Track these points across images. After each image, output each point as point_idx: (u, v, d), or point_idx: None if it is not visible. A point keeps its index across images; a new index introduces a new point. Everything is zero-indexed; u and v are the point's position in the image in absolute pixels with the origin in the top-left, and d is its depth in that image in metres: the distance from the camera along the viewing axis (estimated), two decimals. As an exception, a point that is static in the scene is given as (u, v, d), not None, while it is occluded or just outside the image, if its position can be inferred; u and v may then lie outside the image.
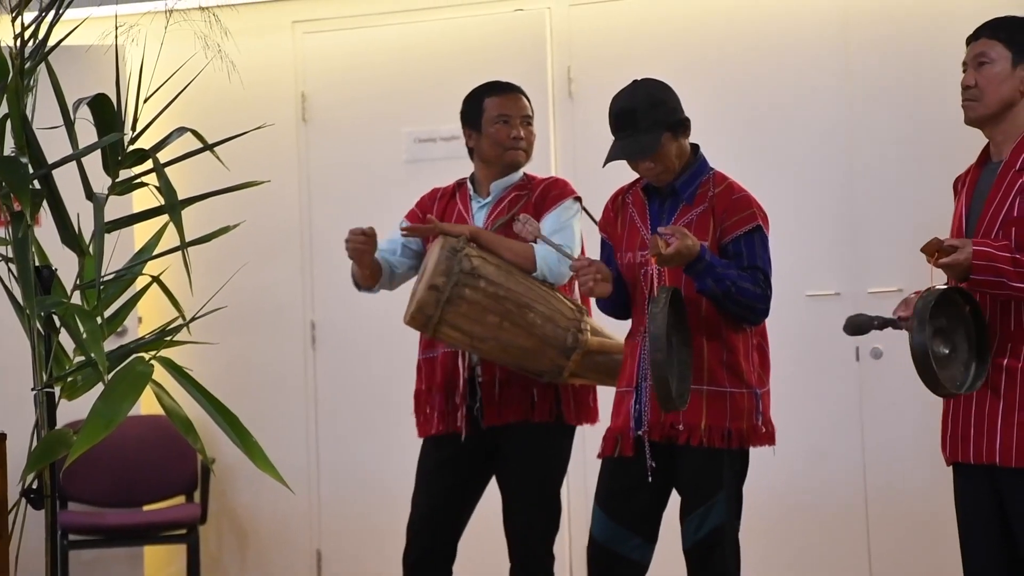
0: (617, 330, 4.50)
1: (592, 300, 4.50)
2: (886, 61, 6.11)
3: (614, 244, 4.36)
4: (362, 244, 4.59)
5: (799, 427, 5.99)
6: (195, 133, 3.40)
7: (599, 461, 4.31)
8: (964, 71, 3.84)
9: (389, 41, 6.70)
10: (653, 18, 6.42)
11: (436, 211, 4.74)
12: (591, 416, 4.74)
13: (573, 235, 4.63)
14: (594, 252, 4.54)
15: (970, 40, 3.85)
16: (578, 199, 4.70)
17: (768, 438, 4.22)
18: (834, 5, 6.19)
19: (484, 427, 4.57)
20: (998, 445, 3.64)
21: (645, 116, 4.15)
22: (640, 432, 4.15)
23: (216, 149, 3.39)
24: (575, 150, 6.38)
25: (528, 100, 4.79)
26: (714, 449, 4.10)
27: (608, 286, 4.19)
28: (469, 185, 4.79)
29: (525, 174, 4.77)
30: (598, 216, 4.51)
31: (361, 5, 6.76)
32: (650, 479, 4.13)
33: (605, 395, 4.59)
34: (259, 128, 4.00)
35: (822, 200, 6.17)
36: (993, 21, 3.83)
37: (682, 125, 4.21)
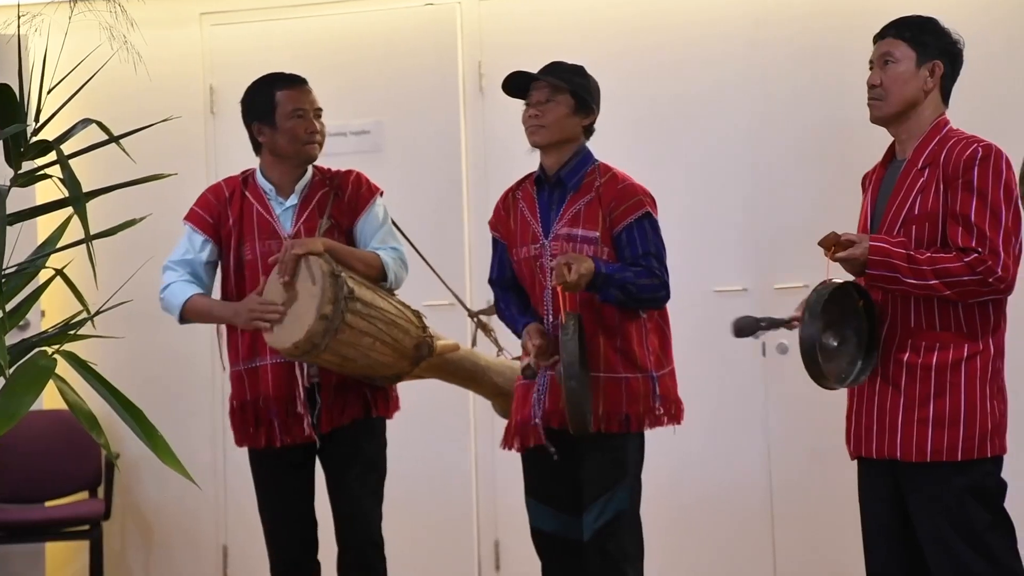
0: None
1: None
2: (793, 61, 6.17)
3: (508, 241, 4.43)
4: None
5: (704, 422, 6.04)
6: (100, 125, 3.35)
7: (507, 455, 4.37)
8: (871, 69, 3.88)
9: (298, 34, 6.66)
10: (563, 13, 6.43)
11: (232, 214, 4.62)
12: (398, 404, 4.74)
13: (395, 234, 4.65)
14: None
15: (877, 39, 3.91)
16: (382, 194, 4.70)
17: (669, 418, 4.31)
18: (744, 4, 6.23)
19: (324, 432, 4.52)
20: (899, 440, 3.70)
21: (565, 72, 4.34)
22: (536, 420, 4.22)
23: (123, 141, 3.35)
24: (485, 144, 6.38)
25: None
26: (616, 436, 4.19)
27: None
28: (263, 183, 4.66)
29: (313, 167, 4.69)
30: (400, 216, 4.56)
31: (270, -3, 6.73)
32: (556, 458, 4.21)
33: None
34: (166, 120, 3.95)
35: (729, 197, 6.22)
36: (899, 21, 3.88)
37: (587, 109, 4.34)
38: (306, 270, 4.29)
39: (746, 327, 3.87)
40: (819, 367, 3.56)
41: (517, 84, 4.38)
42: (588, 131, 4.38)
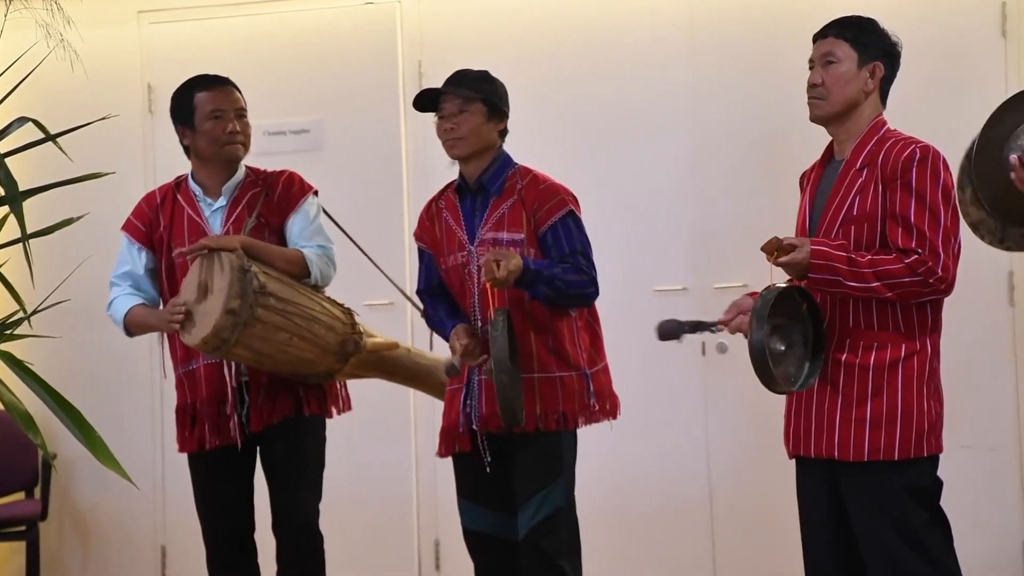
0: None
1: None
2: (732, 61, 6.19)
3: (434, 251, 4.45)
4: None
5: (644, 421, 6.06)
6: (37, 123, 3.33)
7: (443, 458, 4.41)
8: (811, 68, 3.90)
9: (237, 32, 6.63)
10: (503, 12, 6.43)
11: (163, 219, 4.62)
12: (349, 404, 4.77)
13: (326, 233, 4.64)
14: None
15: (817, 38, 3.92)
16: (316, 193, 4.70)
17: (604, 414, 4.34)
18: (682, 6, 6.26)
19: (251, 432, 4.52)
20: (837, 440, 3.72)
21: (473, 80, 4.34)
22: (473, 426, 4.25)
23: (60, 140, 3.33)
24: (426, 144, 6.36)
25: (240, 92, 4.68)
26: (552, 434, 4.21)
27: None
28: (193, 186, 4.66)
29: (248, 168, 4.69)
30: (339, 215, 4.62)
31: (208, -5, 6.69)
32: (488, 470, 4.23)
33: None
34: (104, 119, 3.93)
35: (669, 197, 6.24)
36: (840, 20, 3.90)
37: (500, 113, 4.36)
38: (218, 267, 4.28)
39: (670, 330, 3.87)
40: (770, 372, 3.58)
41: (426, 99, 4.39)
42: (503, 135, 4.40)
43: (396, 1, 6.52)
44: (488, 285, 4.06)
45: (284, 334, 4.32)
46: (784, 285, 3.70)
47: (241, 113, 4.62)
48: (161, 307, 4.64)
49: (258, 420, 4.51)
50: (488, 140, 4.34)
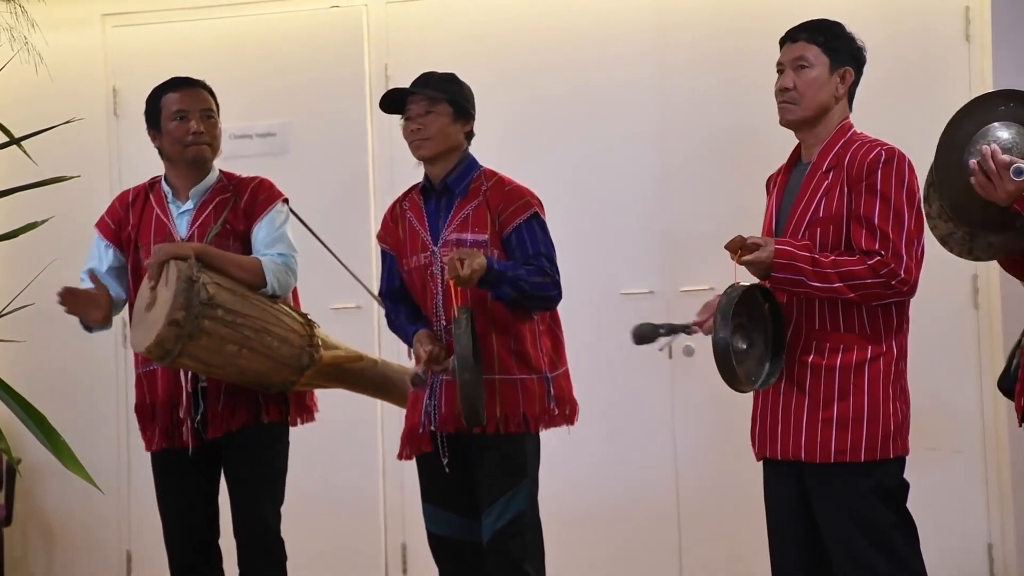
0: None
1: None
2: (698, 63, 6.21)
3: (397, 252, 4.44)
4: (72, 305, 4.45)
5: (612, 425, 6.07)
6: (1, 127, 3.32)
7: (409, 461, 4.40)
8: (780, 71, 3.90)
9: (203, 36, 6.61)
10: (470, 15, 6.43)
11: (132, 218, 4.62)
12: (312, 414, 4.76)
13: (290, 241, 4.60)
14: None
15: (785, 41, 3.92)
16: (286, 201, 4.67)
17: (563, 419, 4.34)
18: (649, 6, 6.27)
19: (209, 438, 4.51)
20: (803, 441, 3.73)
21: (439, 82, 4.36)
22: (432, 428, 4.25)
23: (24, 143, 3.32)
24: (392, 148, 6.36)
25: (211, 94, 4.65)
26: (513, 437, 4.21)
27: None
28: (165, 187, 4.65)
29: (223, 172, 4.67)
30: (306, 219, 4.59)
31: (174, -1, 6.67)
32: (448, 471, 4.24)
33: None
34: (69, 122, 3.91)
35: (636, 201, 6.25)
36: (811, 24, 3.90)
37: (466, 115, 4.38)
38: (167, 275, 4.26)
39: (646, 334, 3.88)
40: (733, 370, 3.59)
41: (393, 100, 4.39)
42: (469, 137, 4.41)
43: (362, 4, 6.51)
44: (452, 283, 4.06)
45: (232, 346, 4.30)
46: (747, 284, 3.71)
47: (208, 114, 4.59)
48: (127, 306, 4.62)
49: (216, 426, 4.50)
50: (454, 141, 4.34)
